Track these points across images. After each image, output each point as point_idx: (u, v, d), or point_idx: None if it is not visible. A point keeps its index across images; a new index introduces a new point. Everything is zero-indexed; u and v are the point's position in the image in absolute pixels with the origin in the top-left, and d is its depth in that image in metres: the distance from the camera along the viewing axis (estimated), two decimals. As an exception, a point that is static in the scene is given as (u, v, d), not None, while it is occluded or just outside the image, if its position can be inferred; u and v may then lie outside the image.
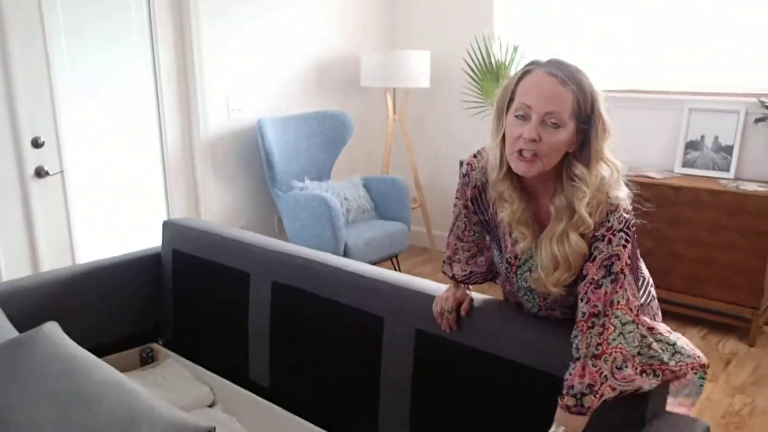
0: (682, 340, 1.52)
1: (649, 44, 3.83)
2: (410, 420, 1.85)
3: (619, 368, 1.37)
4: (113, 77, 3.28)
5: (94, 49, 3.18)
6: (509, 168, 1.45)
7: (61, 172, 3.09)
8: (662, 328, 1.52)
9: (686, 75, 3.76)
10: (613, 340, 1.38)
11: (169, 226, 2.60)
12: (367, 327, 1.92)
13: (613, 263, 1.39)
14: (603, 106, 1.40)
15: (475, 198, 1.61)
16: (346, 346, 2.00)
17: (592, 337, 1.39)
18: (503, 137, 1.45)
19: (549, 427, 1.40)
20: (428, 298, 1.78)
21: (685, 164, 3.72)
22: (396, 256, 3.99)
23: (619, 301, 1.39)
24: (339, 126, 4.08)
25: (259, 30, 3.87)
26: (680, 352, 1.48)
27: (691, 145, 3.71)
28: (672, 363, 1.45)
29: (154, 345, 2.62)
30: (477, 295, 1.76)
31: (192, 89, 3.58)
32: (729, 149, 3.60)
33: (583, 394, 1.36)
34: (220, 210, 3.80)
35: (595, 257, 1.39)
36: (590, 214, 1.38)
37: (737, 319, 3.39)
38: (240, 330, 2.30)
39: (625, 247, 1.39)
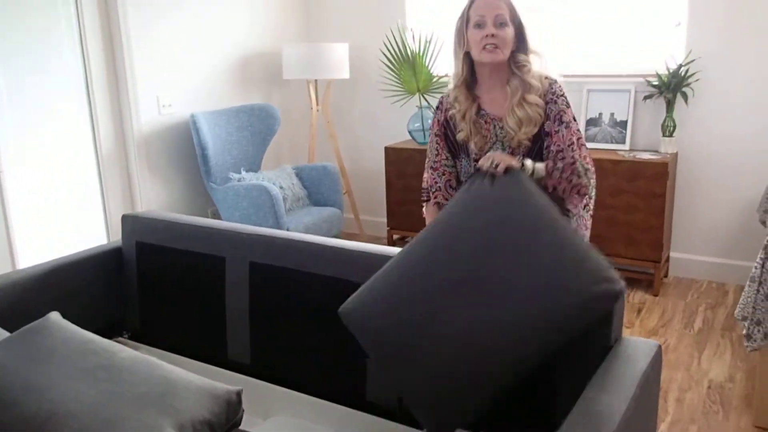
0: None
1: (550, 33, 4.21)
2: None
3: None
4: (44, 76, 3.25)
5: (23, 48, 3.14)
6: (465, 77, 2.04)
7: (-2, 174, 3.04)
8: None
9: (583, 60, 4.18)
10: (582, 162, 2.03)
11: (129, 220, 2.64)
12: (350, 295, 2.10)
13: (562, 116, 1.99)
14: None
15: (446, 120, 2.10)
16: (330, 315, 2.16)
17: (566, 159, 1.97)
18: (466, 53, 2.02)
19: None
20: (409, 262, 1.99)
21: (587, 139, 4.12)
22: (331, 241, 4.17)
23: (577, 145, 2.00)
24: (267, 118, 4.19)
25: (184, 26, 3.91)
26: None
27: (591, 122, 4.14)
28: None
29: (120, 339, 2.66)
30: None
31: (123, 86, 3.58)
32: (623, 124, 4.05)
33: (558, 161, 1.98)
34: (155, 205, 3.82)
35: (549, 116, 1.99)
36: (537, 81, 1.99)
37: (642, 273, 3.85)
38: (216, 313, 2.40)
39: (568, 106, 2.02)
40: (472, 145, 2.03)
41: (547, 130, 2.00)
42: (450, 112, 2.09)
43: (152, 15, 3.71)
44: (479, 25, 1.96)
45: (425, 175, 2.18)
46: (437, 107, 2.13)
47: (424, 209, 2.21)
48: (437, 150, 2.11)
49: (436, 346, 1.56)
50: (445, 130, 2.11)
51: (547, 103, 1.99)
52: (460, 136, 2.02)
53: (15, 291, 2.29)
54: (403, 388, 1.65)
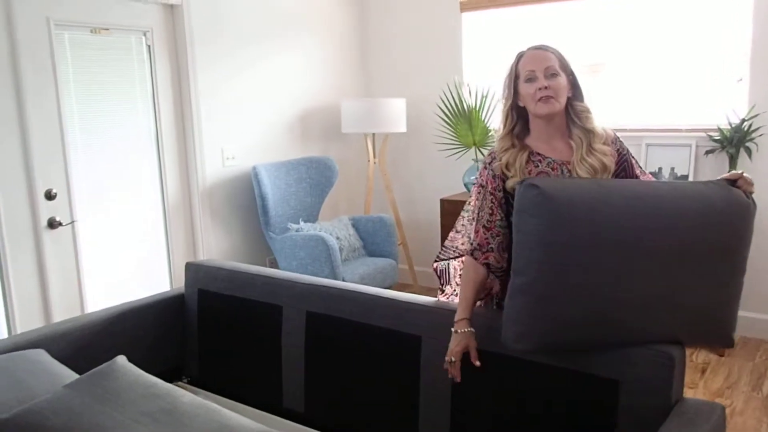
0: None
1: (607, 87, 4.22)
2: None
3: None
4: (117, 132, 3.44)
5: (101, 105, 3.34)
6: (512, 127, 2.00)
7: (73, 222, 3.20)
8: None
9: (642, 114, 4.16)
10: None
11: (192, 268, 2.74)
12: (404, 347, 2.11)
13: (635, 163, 2.05)
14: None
15: (503, 174, 1.98)
16: (383, 366, 2.18)
17: None
18: (512, 105, 1.99)
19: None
20: (464, 315, 2.00)
21: (646, 194, 4.07)
22: (386, 291, 4.20)
23: None
24: (325, 170, 4.31)
25: (248, 85, 4.10)
26: None
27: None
28: None
29: (180, 383, 2.72)
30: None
31: (190, 141, 3.76)
32: (684, 178, 3.98)
33: None
34: (216, 252, 3.94)
35: (633, 163, 2.02)
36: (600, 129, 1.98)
37: (705, 332, 3.71)
38: (272, 360, 2.45)
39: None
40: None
41: (634, 173, 2.02)
42: (497, 164, 1.98)
43: (219, 74, 3.90)
44: (530, 79, 1.92)
45: (476, 234, 1.99)
46: (488, 163, 2.01)
47: (465, 262, 2.03)
48: (491, 209, 1.97)
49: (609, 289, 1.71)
50: (503, 185, 1.98)
51: (618, 151, 1.99)
52: (509, 184, 1.94)
53: (84, 334, 2.39)
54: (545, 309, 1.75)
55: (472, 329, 1.91)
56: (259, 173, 3.91)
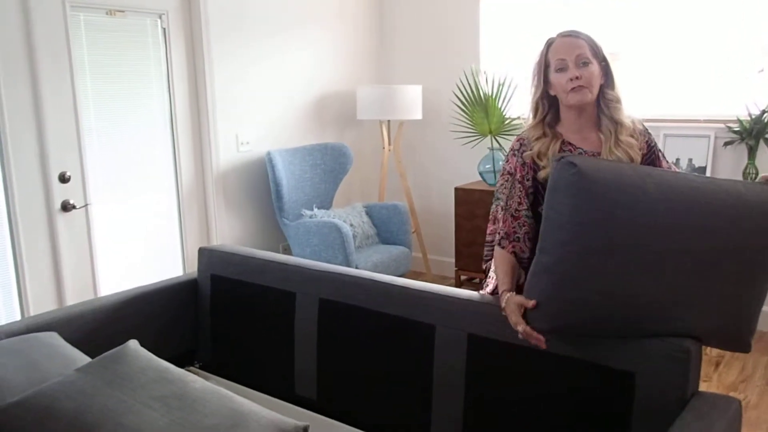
0: None
1: (624, 76, 4.16)
2: (463, 424, 2.03)
3: None
4: (132, 115, 3.43)
5: (115, 88, 3.34)
6: (545, 115, 1.94)
7: (86, 205, 3.21)
8: None
9: (660, 104, 4.10)
10: None
11: (206, 253, 2.73)
12: (418, 335, 2.10)
13: (662, 154, 2.02)
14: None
15: (534, 162, 1.93)
16: (397, 354, 2.17)
17: None
18: (542, 94, 1.93)
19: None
20: (478, 304, 1.98)
21: (663, 185, 4.02)
22: (399, 279, 4.18)
23: None
24: (340, 157, 4.29)
25: (264, 69, 4.08)
26: None
27: (668, 167, 4.03)
28: None
29: (192, 368, 2.73)
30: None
31: (204, 125, 3.75)
32: (702, 170, 3.93)
33: None
34: (229, 238, 3.94)
35: (659, 157, 1.99)
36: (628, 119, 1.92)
37: (721, 326, 3.67)
38: (285, 347, 2.45)
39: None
40: None
41: (666, 167, 1.98)
42: (527, 153, 1.94)
43: (234, 59, 3.89)
44: (561, 69, 1.86)
45: (503, 222, 1.96)
46: (516, 150, 1.97)
47: (495, 251, 1.99)
48: (519, 198, 1.93)
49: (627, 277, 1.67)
50: (533, 173, 1.93)
51: (647, 143, 1.97)
52: (541, 175, 1.89)
53: (96, 317, 2.40)
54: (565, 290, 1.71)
55: (513, 292, 1.82)
56: (273, 159, 3.90)
